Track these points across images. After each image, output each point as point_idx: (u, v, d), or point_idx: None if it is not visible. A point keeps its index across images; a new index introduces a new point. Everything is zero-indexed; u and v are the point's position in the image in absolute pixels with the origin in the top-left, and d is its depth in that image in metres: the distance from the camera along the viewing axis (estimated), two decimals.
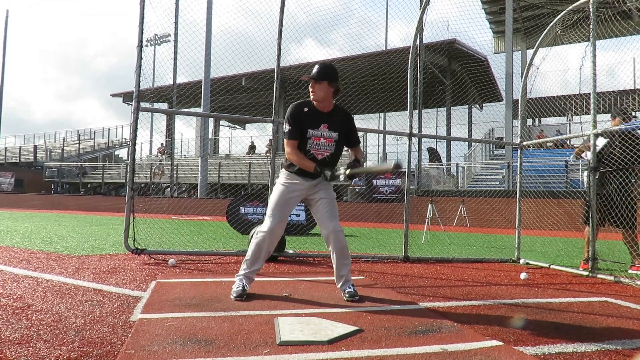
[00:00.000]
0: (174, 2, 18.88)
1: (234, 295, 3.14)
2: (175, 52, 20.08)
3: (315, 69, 3.19)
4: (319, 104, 3.23)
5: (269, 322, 2.59)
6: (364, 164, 3.20)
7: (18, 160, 31.23)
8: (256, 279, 3.41)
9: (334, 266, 3.31)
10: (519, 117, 6.27)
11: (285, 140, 3.19)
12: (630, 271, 4.81)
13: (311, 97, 3.23)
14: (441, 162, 21.07)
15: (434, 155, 21.13)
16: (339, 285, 3.32)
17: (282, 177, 3.34)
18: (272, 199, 3.30)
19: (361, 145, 3.64)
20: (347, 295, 3.20)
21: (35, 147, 31.97)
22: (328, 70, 3.18)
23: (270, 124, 5.52)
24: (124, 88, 31.92)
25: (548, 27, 5.66)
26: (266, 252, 3.27)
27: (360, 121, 26.15)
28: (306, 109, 3.22)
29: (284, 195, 3.27)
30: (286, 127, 3.17)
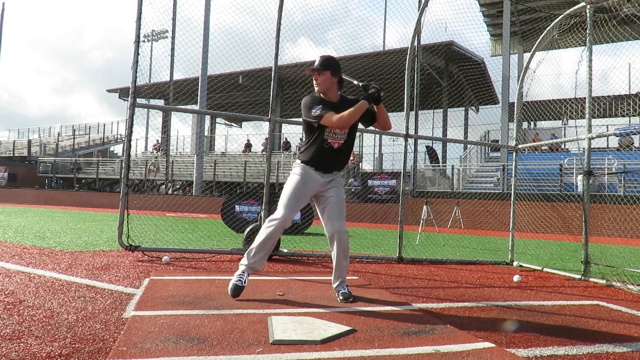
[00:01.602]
0: None
1: (233, 285, 3.14)
2: (173, 49, 19.96)
3: (317, 61, 3.23)
4: (326, 96, 3.25)
5: (263, 321, 2.59)
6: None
7: (12, 155, 30.98)
8: (250, 278, 3.40)
9: (334, 266, 3.31)
10: (515, 120, 6.29)
11: (324, 117, 3.09)
12: None
13: (316, 89, 3.25)
14: (439, 162, 21.07)
15: (432, 155, 21.11)
16: (334, 285, 3.33)
17: (298, 168, 3.29)
18: (288, 189, 3.25)
19: (356, 144, 3.67)
20: (341, 297, 3.20)
21: (29, 141, 31.72)
22: (330, 61, 3.23)
23: (267, 123, 5.50)
24: (120, 83, 31.81)
25: (545, 31, 5.69)
26: (274, 243, 3.25)
27: None
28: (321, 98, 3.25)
29: (299, 187, 3.23)
30: (315, 110, 3.12)
